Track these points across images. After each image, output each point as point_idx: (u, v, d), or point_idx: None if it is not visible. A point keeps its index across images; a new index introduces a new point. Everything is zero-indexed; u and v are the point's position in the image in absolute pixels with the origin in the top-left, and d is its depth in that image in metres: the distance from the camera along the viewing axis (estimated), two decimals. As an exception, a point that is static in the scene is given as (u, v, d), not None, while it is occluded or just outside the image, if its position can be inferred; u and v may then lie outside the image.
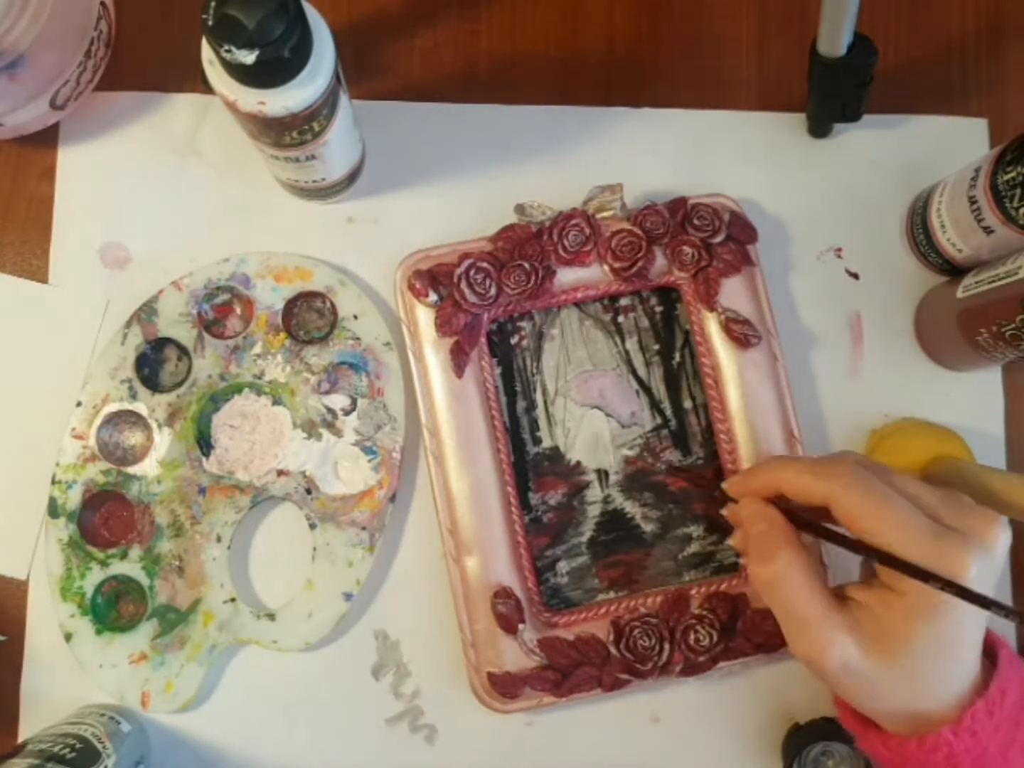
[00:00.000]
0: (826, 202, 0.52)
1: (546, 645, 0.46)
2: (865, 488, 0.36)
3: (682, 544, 0.49)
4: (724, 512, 0.42)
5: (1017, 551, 0.50)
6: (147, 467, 0.48)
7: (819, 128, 0.52)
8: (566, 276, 0.48)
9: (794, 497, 0.38)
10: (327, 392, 0.48)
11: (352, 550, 0.47)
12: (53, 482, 0.47)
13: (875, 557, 0.35)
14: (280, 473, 0.48)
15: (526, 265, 0.47)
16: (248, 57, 0.35)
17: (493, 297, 0.47)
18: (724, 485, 0.41)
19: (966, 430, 0.49)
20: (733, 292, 0.48)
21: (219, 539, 0.47)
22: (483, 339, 0.48)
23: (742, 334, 0.47)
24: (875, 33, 0.46)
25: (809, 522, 0.38)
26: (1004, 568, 0.50)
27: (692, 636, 0.46)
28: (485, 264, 0.47)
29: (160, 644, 0.47)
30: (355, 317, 0.49)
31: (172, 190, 0.51)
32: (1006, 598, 0.50)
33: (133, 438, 0.48)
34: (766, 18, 0.53)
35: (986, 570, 0.35)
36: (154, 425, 0.48)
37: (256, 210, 0.51)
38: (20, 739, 0.47)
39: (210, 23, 0.35)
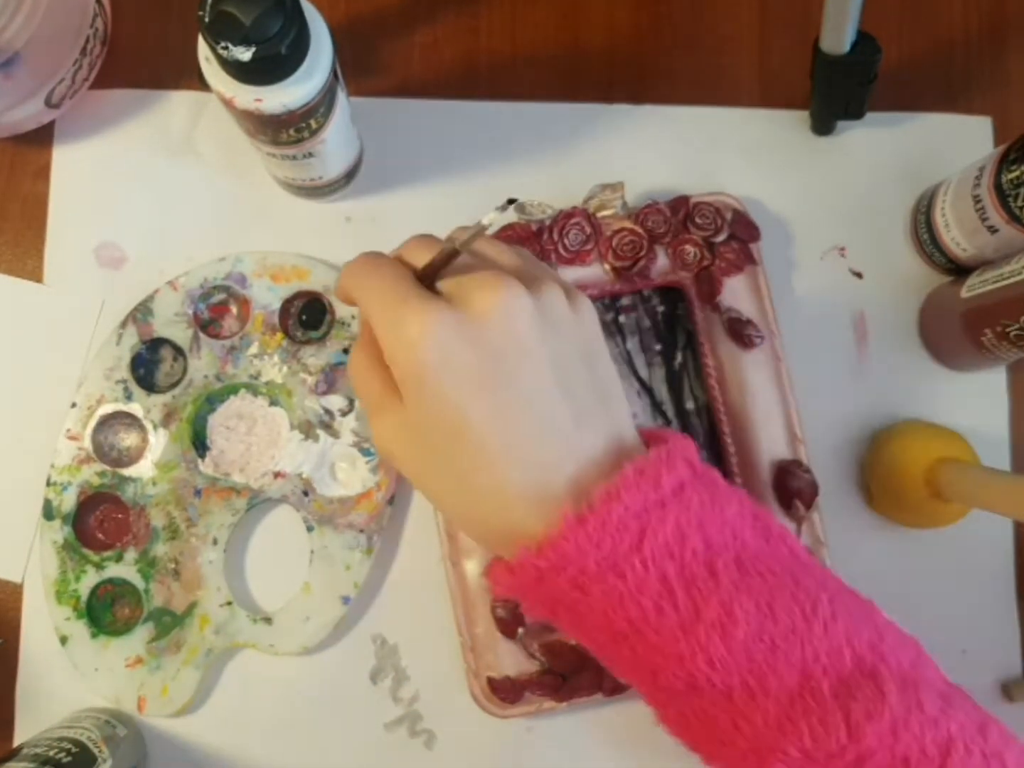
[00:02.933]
0: (829, 201, 0.52)
1: (546, 649, 0.46)
2: (362, 259, 0.33)
3: (683, 546, 0.49)
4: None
5: (1020, 553, 0.50)
6: (142, 469, 0.47)
7: (822, 126, 0.51)
8: (566, 275, 0.48)
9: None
10: (324, 393, 0.48)
11: (350, 553, 0.47)
12: (48, 484, 0.47)
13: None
14: (277, 475, 0.47)
15: (526, 265, 0.47)
16: (245, 54, 0.35)
17: (493, 297, 0.47)
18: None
19: (970, 431, 0.49)
20: (735, 292, 0.48)
21: (215, 542, 0.47)
22: (482, 339, 0.48)
23: (745, 334, 0.47)
24: (878, 30, 0.45)
25: None
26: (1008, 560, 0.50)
27: (694, 640, 0.45)
28: (484, 263, 0.47)
29: (156, 648, 0.46)
30: (353, 317, 0.48)
31: (168, 189, 0.50)
32: (1009, 600, 0.50)
33: (128, 439, 0.48)
34: (769, 15, 0.53)
35: (464, 334, 0.30)
36: (149, 426, 0.47)
37: (253, 209, 0.50)
38: (16, 743, 0.47)
39: (207, 20, 0.35)
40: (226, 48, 0.35)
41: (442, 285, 0.32)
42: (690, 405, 0.49)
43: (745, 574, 0.30)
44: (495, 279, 0.31)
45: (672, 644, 0.30)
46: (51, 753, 0.41)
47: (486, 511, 0.31)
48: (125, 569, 0.47)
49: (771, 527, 0.32)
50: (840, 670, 0.29)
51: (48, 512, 0.47)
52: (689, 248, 0.48)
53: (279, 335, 0.48)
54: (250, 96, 0.38)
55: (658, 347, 0.50)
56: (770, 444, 0.47)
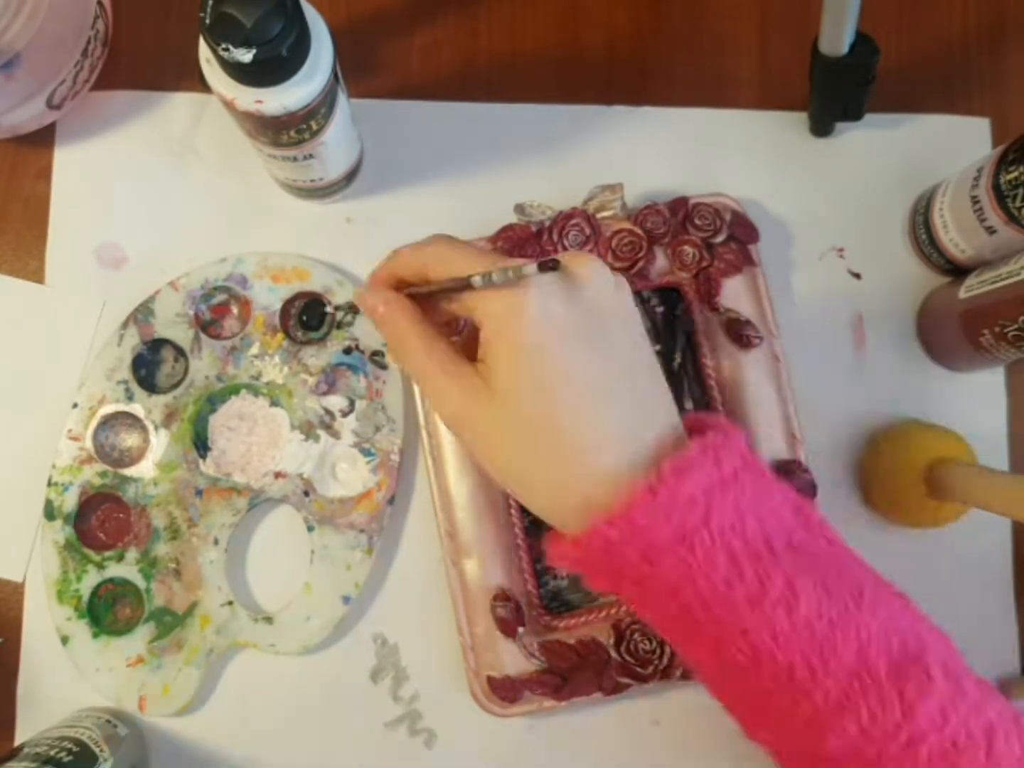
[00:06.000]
0: (828, 202, 0.52)
1: (546, 649, 0.46)
2: (454, 243, 0.34)
3: (683, 546, 0.49)
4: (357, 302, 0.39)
5: (1018, 553, 0.50)
6: (144, 469, 0.47)
7: (821, 127, 0.51)
8: (566, 276, 0.48)
9: (411, 277, 0.35)
10: (325, 393, 0.48)
11: (350, 553, 0.47)
12: (49, 484, 0.47)
13: (455, 287, 0.33)
14: (278, 475, 0.47)
15: (526, 265, 0.47)
16: (246, 56, 0.35)
17: (492, 298, 0.47)
18: (356, 292, 0.38)
19: (968, 431, 0.49)
20: (734, 292, 0.48)
21: (216, 542, 0.47)
22: (482, 340, 0.48)
23: (743, 335, 0.47)
24: (877, 32, 0.46)
25: (423, 293, 0.36)
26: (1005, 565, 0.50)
27: (693, 639, 0.46)
28: (484, 264, 0.47)
29: (157, 647, 0.46)
30: (353, 318, 0.48)
31: (169, 190, 0.51)
32: (1007, 600, 0.50)
33: (130, 440, 0.48)
34: (768, 16, 0.53)
35: (566, 297, 0.31)
36: (151, 427, 0.47)
37: (254, 210, 0.50)
38: (16, 742, 0.47)
39: (208, 21, 0.35)
40: (227, 50, 0.35)
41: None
42: (689, 405, 0.49)
43: (798, 556, 0.31)
44: (587, 255, 0.33)
45: (739, 618, 0.31)
46: (52, 752, 0.41)
47: (560, 480, 0.32)
48: (126, 569, 0.47)
49: (811, 518, 0.33)
50: (890, 653, 0.30)
51: (49, 512, 0.47)
52: (688, 249, 0.48)
53: (280, 336, 0.48)
54: (251, 98, 0.38)
55: (657, 347, 0.50)
56: (769, 444, 0.47)
